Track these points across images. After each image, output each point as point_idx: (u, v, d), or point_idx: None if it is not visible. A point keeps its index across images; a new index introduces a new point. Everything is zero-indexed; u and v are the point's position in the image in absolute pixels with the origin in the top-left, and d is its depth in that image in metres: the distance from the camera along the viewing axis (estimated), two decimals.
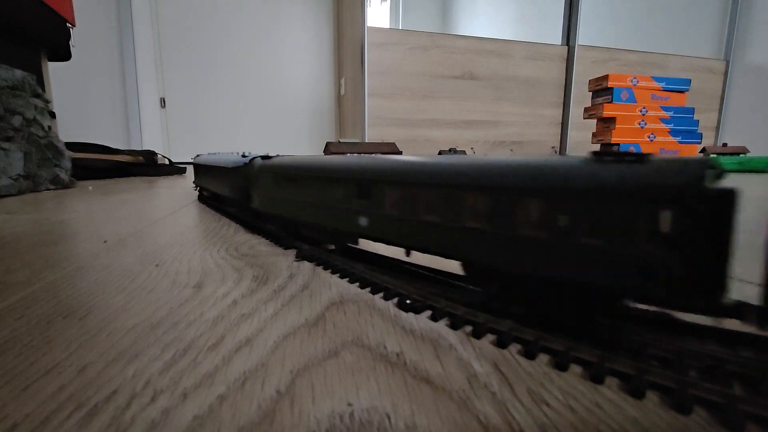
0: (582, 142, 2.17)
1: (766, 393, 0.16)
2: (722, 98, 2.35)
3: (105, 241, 0.45)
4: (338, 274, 0.32)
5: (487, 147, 2.12)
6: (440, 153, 1.56)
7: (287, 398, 0.16)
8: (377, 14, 3.09)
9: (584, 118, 1.57)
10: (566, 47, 2.13)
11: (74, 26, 1.38)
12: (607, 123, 1.49)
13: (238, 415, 0.15)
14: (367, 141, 1.89)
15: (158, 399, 0.16)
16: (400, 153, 1.40)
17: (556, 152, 2.21)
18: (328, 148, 1.38)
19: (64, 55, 1.40)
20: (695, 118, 1.53)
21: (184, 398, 0.16)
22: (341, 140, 1.46)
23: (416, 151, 1.98)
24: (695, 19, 2.39)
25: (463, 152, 1.69)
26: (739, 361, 0.17)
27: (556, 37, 2.16)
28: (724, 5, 2.33)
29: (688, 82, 1.51)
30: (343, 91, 2.61)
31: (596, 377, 0.17)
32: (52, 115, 1.19)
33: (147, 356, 0.19)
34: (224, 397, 0.16)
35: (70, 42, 1.37)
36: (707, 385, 0.16)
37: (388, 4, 3.11)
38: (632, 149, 1.47)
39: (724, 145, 1.73)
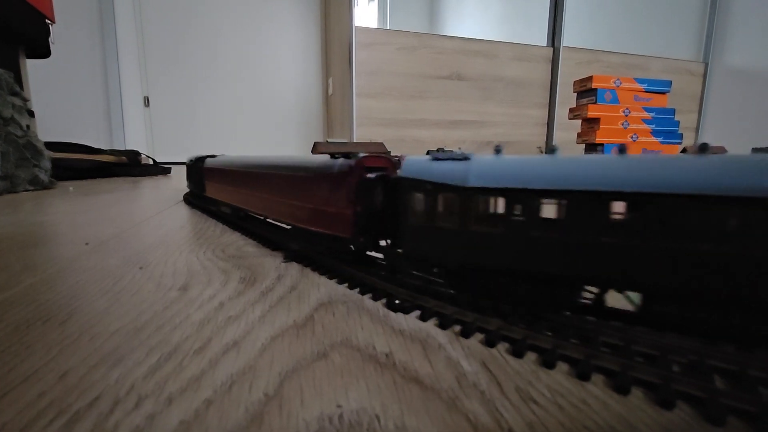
0: (567, 142, 2.20)
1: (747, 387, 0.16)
2: (701, 100, 2.41)
3: (87, 243, 0.44)
4: (327, 275, 0.32)
5: (474, 147, 2.13)
6: (428, 153, 1.57)
7: (275, 401, 0.16)
8: (365, 14, 3.09)
9: (569, 119, 1.59)
10: (551, 48, 2.16)
11: (54, 23, 1.35)
12: (591, 123, 1.51)
13: (225, 419, 0.15)
14: (355, 141, 1.88)
15: (143, 404, 0.16)
16: (389, 153, 1.40)
17: (542, 152, 2.23)
18: (317, 148, 1.38)
19: (43, 52, 1.36)
20: (676, 119, 1.57)
21: (170, 403, 0.16)
22: (329, 140, 1.45)
23: (404, 152, 1.98)
24: (675, 21, 2.44)
25: (452, 152, 1.69)
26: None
27: (541, 38, 2.19)
28: (703, 8, 2.39)
29: (669, 83, 1.54)
30: (330, 91, 2.60)
31: (583, 374, 0.17)
32: (31, 114, 1.16)
33: (131, 360, 0.19)
34: (211, 402, 0.16)
35: (49, 39, 1.34)
36: (690, 380, 0.16)
37: (375, 3, 3.11)
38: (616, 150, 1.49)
39: None
